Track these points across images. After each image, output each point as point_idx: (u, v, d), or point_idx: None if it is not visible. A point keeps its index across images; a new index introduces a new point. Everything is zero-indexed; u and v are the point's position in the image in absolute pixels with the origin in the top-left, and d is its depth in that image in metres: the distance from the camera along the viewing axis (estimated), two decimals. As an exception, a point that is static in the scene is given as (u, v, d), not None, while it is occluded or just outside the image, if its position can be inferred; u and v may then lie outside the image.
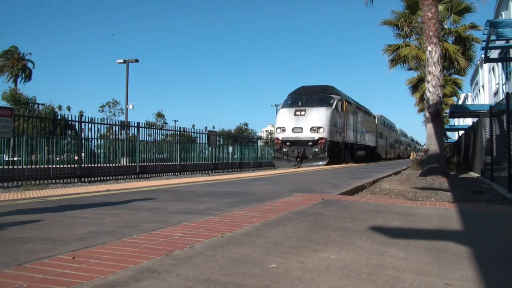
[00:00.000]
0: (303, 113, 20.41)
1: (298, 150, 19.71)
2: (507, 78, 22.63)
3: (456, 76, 22.01)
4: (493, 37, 12.58)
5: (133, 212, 3.68)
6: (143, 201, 4.46)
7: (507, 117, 7.18)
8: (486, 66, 31.10)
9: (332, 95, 21.83)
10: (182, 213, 3.63)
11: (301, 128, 20.10)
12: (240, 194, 5.31)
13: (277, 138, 20.83)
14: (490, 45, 13.67)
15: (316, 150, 19.63)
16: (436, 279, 1.86)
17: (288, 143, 20.29)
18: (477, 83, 39.16)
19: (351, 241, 2.60)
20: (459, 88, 24.25)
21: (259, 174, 10.24)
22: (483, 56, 18.62)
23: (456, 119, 40.88)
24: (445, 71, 16.85)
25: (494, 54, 19.54)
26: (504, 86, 22.97)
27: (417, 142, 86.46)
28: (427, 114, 11.07)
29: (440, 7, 14.84)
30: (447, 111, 22.46)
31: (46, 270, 1.86)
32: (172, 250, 2.23)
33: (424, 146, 15.33)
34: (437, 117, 10.74)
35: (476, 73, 37.95)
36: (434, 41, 10.48)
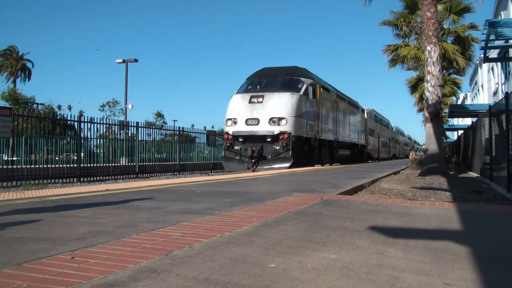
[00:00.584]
0: (260, 99, 15.57)
1: (252, 148, 15.07)
2: (506, 78, 22.66)
3: (455, 76, 22.04)
4: (492, 36, 12.61)
5: (132, 212, 3.68)
6: (142, 201, 4.46)
7: (506, 117, 7.19)
8: (485, 65, 31.17)
9: (301, 78, 16.99)
10: (181, 212, 3.63)
11: (257, 120, 15.32)
12: (239, 194, 5.32)
13: (227, 133, 16.01)
14: (489, 45, 13.70)
15: (277, 148, 15.02)
16: (435, 278, 1.86)
17: (241, 139, 15.58)
18: (476, 83, 39.22)
19: (350, 240, 2.60)
20: (458, 88, 24.28)
21: (258, 174, 10.24)
22: (482, 56, 18.66)
23: (455, 119, 40.94)
24: (444, 71, 16.88)
25: (493, 54, 19.57)
26: (503, 86, 23.00)
27: (415, 142, 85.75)
28: (426, 114, 11.08)
29: (439, 7, 14.84)
30: (446, 111, 22.50)
31: (45, 270, 1.86)
32: (171, 250, 2.23)
33: (423, 146, 15.35)
34: (436, 117, 10.74)
35: (475, 72, 38.00)
36: (433, 40, 10.48)
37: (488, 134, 9.56)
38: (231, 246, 2.37)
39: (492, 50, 17.30)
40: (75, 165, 12.87)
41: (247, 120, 15.48)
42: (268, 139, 15.09)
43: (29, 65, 54.30)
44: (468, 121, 30.77)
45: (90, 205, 4.09)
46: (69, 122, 13.93)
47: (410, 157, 37.31)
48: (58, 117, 19.36)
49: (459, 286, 1.77)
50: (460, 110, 22.93)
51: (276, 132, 15.01)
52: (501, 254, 2.43)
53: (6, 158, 13.12)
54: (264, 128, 15.21)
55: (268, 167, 14.82)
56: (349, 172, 11.86)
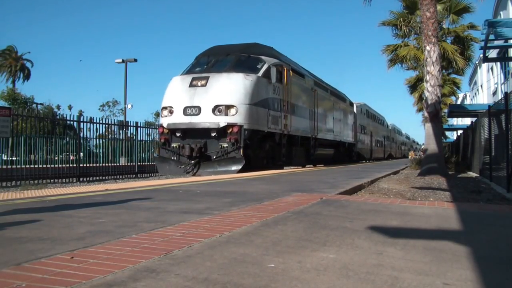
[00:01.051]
0: (203, 82, 11.98)
1: (192, 146, 11.55)
2: (505, 78, 22.67)
3: (454, 75, 22.05)
4: (491, 36, 12.63)
5: (132, 211, 3.68)
6: (141, 201, 4.46)
7: (505, 117, 7.20)
8: (484, 65, 31.19)
9: (262, 57, 13.35)
10: (181, 212, 3.63)
11: (198, 108, 11.70)
12: (238, 193, 5.32)
13: (161, 126, 12.47)
14: (488, 45, 13.72)
15: (225, 145, 11.51)
16: (434, 278, 1.86)
17: (179, 134, 12.02)
18: (475, 83, 39.25)
19: (349, 240, 2.60)
20: (458, 87, 24.29)
21: (257, 174, 10.23)
22: (481, 55, 18.69)
23: (454, 119, 40.97)
24: (443, 71, 16.88)
25: (493, 53, 19.59)
26: (502, 86, 23.01)
27: (414, 141, 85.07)
28: (426, 114, 11.10)
29: (439, 7, 14.87)
30: (446, 110, 22.51)
31: (45, 269, 1.86)
32: (171, 250, 2.23)
33: (423, 146, 15.36)
34: (435, 116, 10.76)
35: (474, 72, 38.02)
36: (433, 40, 10.49)
37: (488, 134, 9.57)
38: (231, 246, 2.37)
39: (491, 50, 17.33)
40: (74, 165, 12.88)
41: (185, 108, 11.84)
42: (213, 134, 11.53)
43: (28, 65, 54.25)
44: (467, 121, 30.80)
45: (90, 205, 4.09)
46: (68, 122, 13.93)
47: (409, 157, 37.31)
48: (58, 117, 19.35)
49: (458, 286, 1.77)
50: (460, 110, 22.95)
51: (222, 125, 11.39)
52: (500, 254, 2.43)
53: (5, 158, 13.12)
54: (206, 119, 11.59)
55: (212, 170, 11.39)
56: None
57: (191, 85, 12.08)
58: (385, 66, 18.80)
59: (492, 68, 27.91)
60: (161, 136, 12.53)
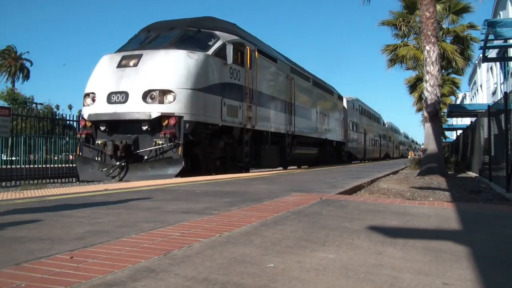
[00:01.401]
0: (134, 61, 9.35)
1: (116, 143, 9.02)
2: (505, 78, 22.69)
3: (454, 75, 22.09)
4: (491, 36, 12.63)
5: (131, 211, 3.67)
6: (141, 201, 4.46)
7: (505, 117, 7.20)
8: (484, 65, 31.20)
9: (216, 32, 10.64)
10: (180, 212, 3.63)
11: (125, 94, 9.07)
12: (238, 193, 5.32)
13: (82, 118, 9.98)
14: (488, 45, 13.72)
15: (161, 142, 8.87)
16: (434, 278, 1.86)
17: (103, 128, 9.44)
18: (475, 83, 39.27)
19: (349, 240, 2.60)
20: (457, 87, 24.33)
21: (257, 174, 10.24)
22: (481, 55, 18.68)
23: (454, 119, 40.98)
24: (443, 71, 16.91)
25: (492, 53, 19.60)
26: (502, 86, 23.03)
27: (413, 141, 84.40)
28: (425, 114, 11.10)
29: (438, 7, 14.88)
30: (445, 110, 22.52)
31: (44, 269, 1.85)
32: (170, 250, 2.23)
33: (422, 146, 15.37)
34: (435, 116, 10.76)
35: (474, 72, 38.05)
36: (432, 40, 10.50)
37: (487, 134, 9.58)
38: (230, 246, 2.37)
39: (491, 50, 17.33)
40: (74, 165, 12.88)
41: (110, 95, 9.13)
42: (145, 127, 8.87)
43: (27, 64, 54.30)
44: (467, 121, 30.81)
45: (89, 205, 4.09)
46: (68, 122, 13.92)
47: (409, 156, 37.27)
48: (58, 117, 19.35)
49: (458, 286, 1.77)
50: (459, 110, 22.97)
51: (154, 115, 8.78)
52: (500, 254, 2.43)
53: (5, 158, 13.12)
54: (134, 108, 8.89)
55: (142, 174, 8.81)
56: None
57: (119, 66, 9.41)
58: (384, 66, 18.83)
59: (491, 68, 27.92)
60: (82, 130, 9.73)
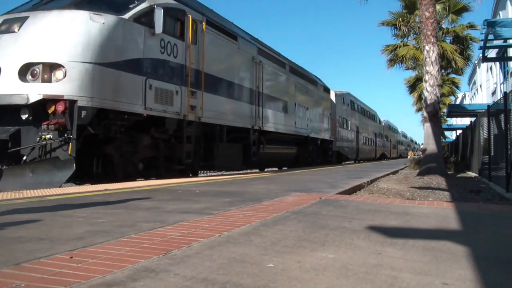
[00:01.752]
0: (16, 26, 6.76)
1: None
2: (504, 78, 22.71)
3: (453, 75, 22.12)
4: (490, 36, 12.66)
5: (131, 211, 3.67)
6: (141, 201, 4.46)
7: (505, 117, 7.21)
8: (483, 65, 31.23)
9: None
10: (180, 212, 3.62)
11: None
12: (237, 193, 5.32)
13: None
14: (487, 45, 13.75)
15: (49, 137, 6.49)
16: (434, 278, 1.86)
17: None
18: (474, 83, 39.30)
19: (348, 240, 2.60)
20: (457, 87, 24.38)
21: (256, 174, 10.25)
22: (480, 55, 18.71)
23: (454, 119, 41.00)
24: (442, 71, 16.93)
25: (492, 53, 19.62)
26: (501, 86, 23.05)
27: (412, 140, 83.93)
28: (425, 114, 11.11)
29: (438, 7, 14.90)
30: (445, 110, 22.55)
31: (44, 269, 1.85)
32: (170, 250, 2.23)
33: (422, 146, 15.38)
34: (435, 116, 10.77)
35: (473, 72, 38.09)
36: (432, 40, 10.51)
37: (487, 134, 9.59)
38: (230, 246, 2.37)
39: (490, 50, 17.36)
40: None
41: None
42: (25, 116, 6.61)
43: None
44: (466, 121, 30.80)
45: (89, 205, 4.09)
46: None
47: (408, 156, 37.23)
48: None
49: (457, 285, 1.77)
50: (459, 110, 22.99)
51: (33, 99, 6.42)
52: (499, 254, 2.43)
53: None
54: (8, 88, 6.49)
55: (21, 182, 6.22)
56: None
57: None
58: (384, 66, 18.85)
59: (491, 68, 27.95)
60: None
